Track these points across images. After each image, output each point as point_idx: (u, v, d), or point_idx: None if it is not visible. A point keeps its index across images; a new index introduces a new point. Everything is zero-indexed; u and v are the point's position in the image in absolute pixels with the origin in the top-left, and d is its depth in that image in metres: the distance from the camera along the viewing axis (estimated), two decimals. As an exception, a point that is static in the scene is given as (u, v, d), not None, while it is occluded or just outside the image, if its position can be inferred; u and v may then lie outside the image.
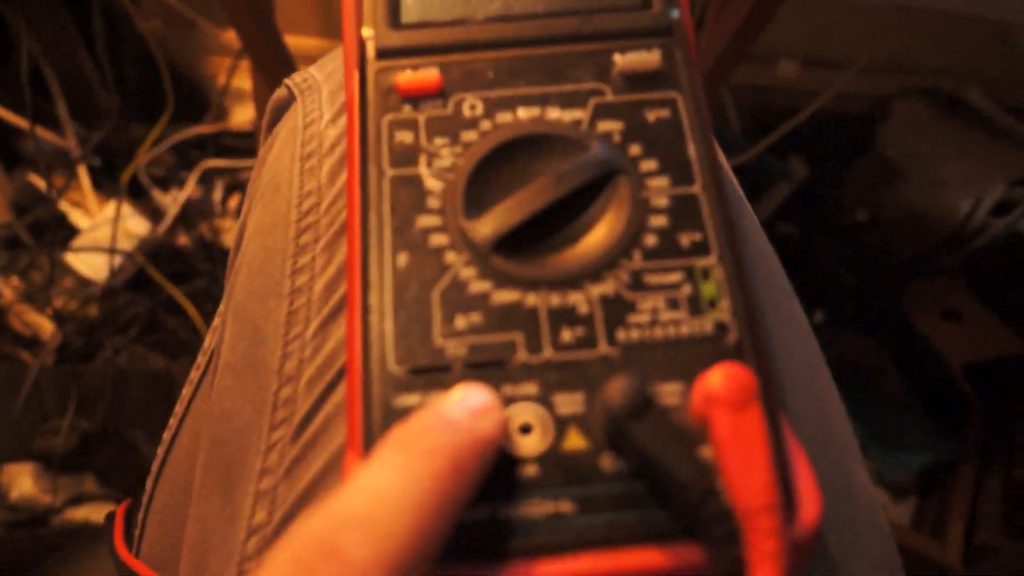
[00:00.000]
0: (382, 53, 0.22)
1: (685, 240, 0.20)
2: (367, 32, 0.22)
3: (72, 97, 1.02)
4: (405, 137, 0.21)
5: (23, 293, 0.99)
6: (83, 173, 1.04)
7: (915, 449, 0.89)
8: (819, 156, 0.93)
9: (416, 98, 0.21)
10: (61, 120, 1.02)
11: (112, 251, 0.96)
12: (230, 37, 1.08)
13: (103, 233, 0.99)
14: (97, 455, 0.89)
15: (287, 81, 0.31)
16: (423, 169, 0.20)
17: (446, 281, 0.19)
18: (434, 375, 0.18)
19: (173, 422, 0.32)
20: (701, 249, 0.19)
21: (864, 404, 0.92)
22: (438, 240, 0.20)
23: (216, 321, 0.32)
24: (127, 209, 1.01)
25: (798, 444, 0.18)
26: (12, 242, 1.01)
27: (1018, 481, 0.88)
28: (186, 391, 0.32)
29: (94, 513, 0.90)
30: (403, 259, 0.19)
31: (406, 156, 0.21)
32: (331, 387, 0.23)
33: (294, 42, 1.02)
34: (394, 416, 0.18)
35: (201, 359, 0.32)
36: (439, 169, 0.20)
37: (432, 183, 0.20)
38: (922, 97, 0.93)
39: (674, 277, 0.19)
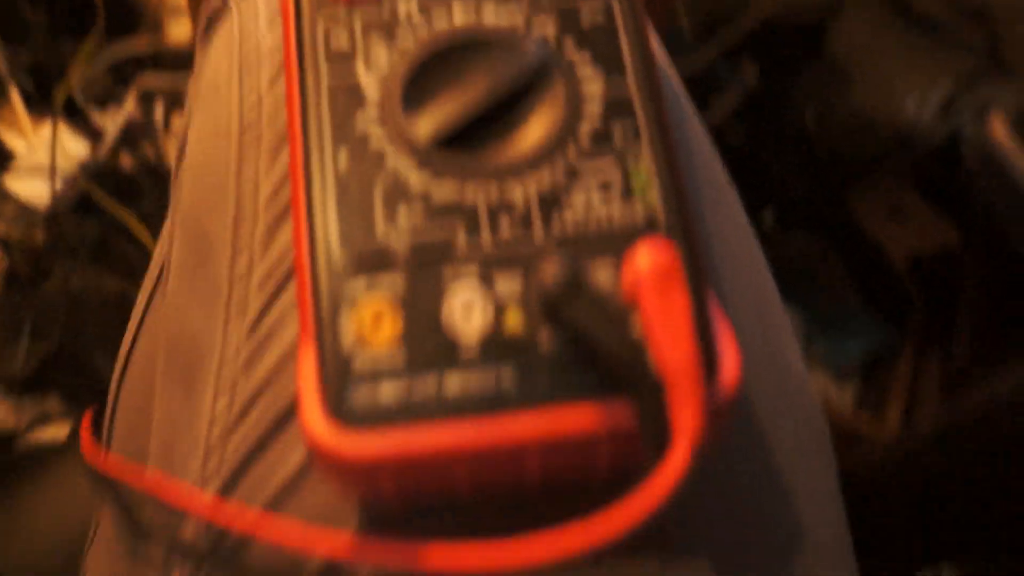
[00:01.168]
0: (315, -49, 0.22)
1: (617, 133, 0.20)
2: (297, -73, 0.22)
3: (-3, 12, 0.97)
4: (341, 39, 0.21)
5: (-36, 220, 0.96)
6: (15, 93, 1.00)
7: (857, 337, 0.94)
8: (770, 60, 0.94)
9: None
10: (-13, 37, 0.97)
11: (53, 174, 0.93)
12: (162, -56, 1.02)
13: (42, 156, 0.96)
14: (59, 376, 0.89)
15: (221, -16, 0.30)
16: (360, 69, 0.21)
17: (387, 177, 0.20)
18: (379, 264, 0.19)
19: (130, 330, 0.33)
20: (632, 141, 0.20)
21: (809, 298, 0.96)
22: (377, 138, 0.20)
23: (164, 231, 0.32)
24: (65, 131, 0.97)
25: (723, 316, 0.19)
26: (-55, 168, 0.97)
27: (955, 368, 0.94)
28: (140, 300, 0.32)
29: (60, 432, 0.91)
30: (344, 158, 0.20)
31: (342, 57, 0.21)
32: (281, 286, 0.24)
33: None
34: (342, 303, 0.19)
35: (153, 269, 0.32)
36: (376, 69, 0.21)
37: (369, 83, 0.21)
38: (870, -3, 0.93)
39: (606, 167, 0.20)
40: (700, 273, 0.19)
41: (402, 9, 0.22)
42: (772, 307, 0.27)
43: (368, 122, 0.20)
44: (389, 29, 0.21)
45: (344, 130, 0.20)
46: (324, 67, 0.21)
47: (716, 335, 0.19)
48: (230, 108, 0.27)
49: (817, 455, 0.26)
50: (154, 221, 0.98)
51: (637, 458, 0.18)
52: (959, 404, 0.29)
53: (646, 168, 0.20)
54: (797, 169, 0.94)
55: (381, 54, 0.21)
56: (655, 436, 0.17)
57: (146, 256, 0.96)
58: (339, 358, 0.18)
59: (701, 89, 0.91)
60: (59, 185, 0.94)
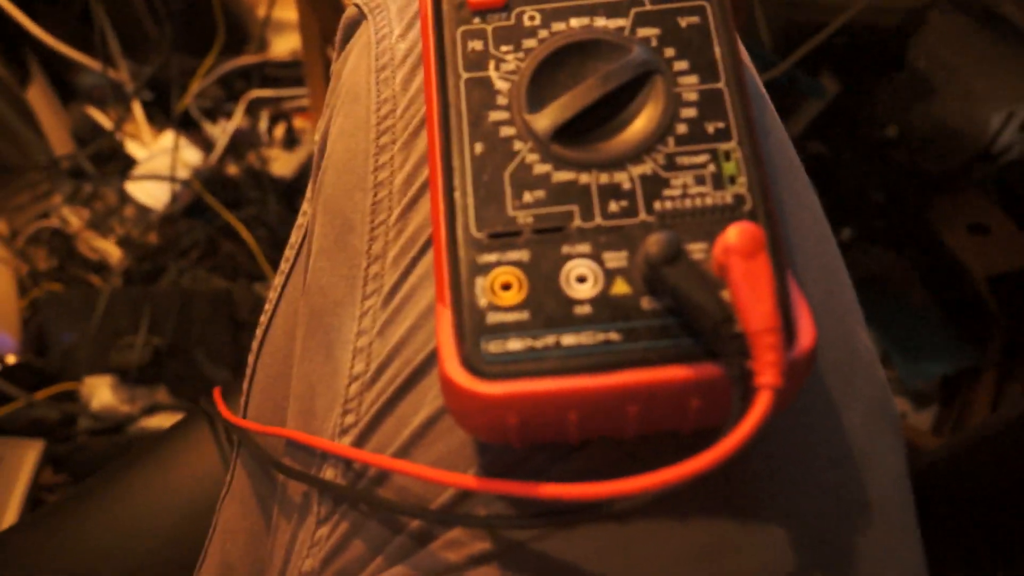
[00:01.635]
0: (453, -26, 0.26)
1: (711, 128, 0.24)
2: (438, -44, 0.26)
3: (123, 32, 1.07)
4: (476, 45, 0.25)
5: (89, 221, 1.05)
6: (137, 106, 1.09)
7: (937, 359, 0.93)
8: (850, 71, 0.94)
9: (484, 11, 0.25)
10: (113, 55, 1.07)
11: (172, 180, 1.02)
12: (270, -32, 1.10)
13: (159, 163, 1.04)
14: (167, 369, 0.96)
15: (356, 1, 0.35)
16: (492, 72, 0.25)
17: (514, 164, 0.24)
18: (508, 238, 0.23)
19: (268, 307, 0.37)
20: (724, 135, 0.23)
21: (890, 316, 0.95)
22: (506, 131, 0.24)
23: (300, 220, 0.36)
24: (180, 140, 1.06)
25: (800, 292, 0.22)
26: (75, 172, 1.07)
27: (1038, 387, 0.92)
28: (277, 280, 0.37)
29: (167, 422, 0.98)
30: (479, 148, 0.24)
31: (477, 61, 0.25)
32: (414, 262, 0.28)
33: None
34: (477, 271, 0.22)
35: (289, 252, 0.36)
36: (505, 72, 0.24)
37: (500, 84, 0.24)
38: (955, 9, 0.93)
39: (701, 159, 0.23)
40: (781, 252, 0.22)
41: (527, 18, 0.25)
42: (843, 290, 0.29)
43: (498, 116, 0.24)
44: (516, 35, 0.25)
45: (478, 122, 0.24)
46: (462, 67, 0.25)
47: (794, 305, 0.22)
48: (368, 108, 0.31)
49: (887, 433, 0.28)
50: (256, 223, 1.05)
51: (724, 413, 0.21)
52: (1007, 411, 0.31)
53: (736, 160, 0.23)
54: (877, 181, 0.94)
55: (509, 57, 0.25)
56: (740, 388, 0.20)
57: (249, 256, 1.04)
58: (474, 316, 0.22)
59: (782, 100, 0.92)
60: (176, 189, 1.02)
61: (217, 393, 0.42)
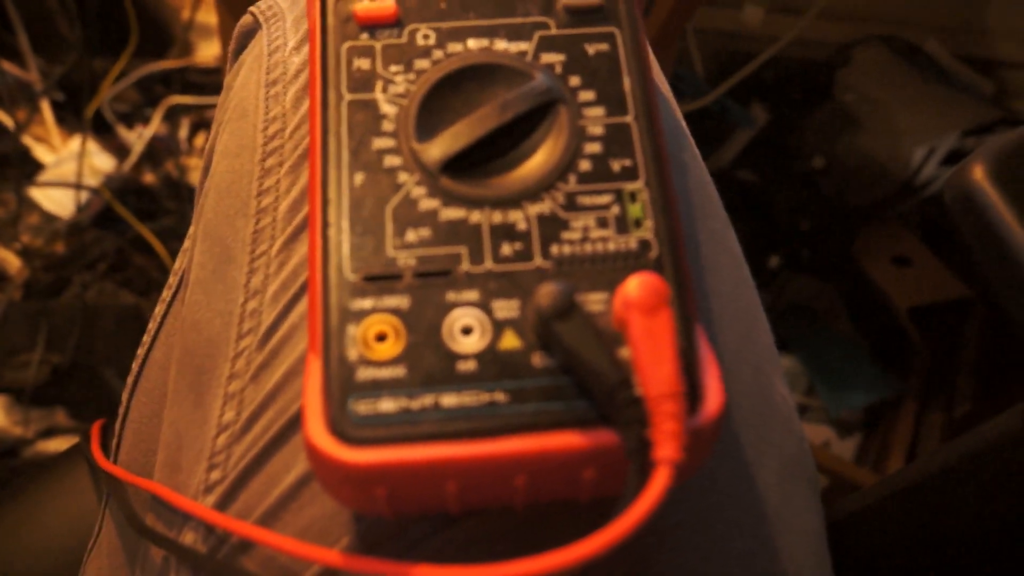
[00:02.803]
0: (341, -16, 0.23)
1: (616, 165, 0.22)
2: (326, -37, 0.23)
3: (34, 29, 1.01)
4: (362, 64, 0.22)
5: (-12, 228, 0.98)
6: (46, 107, 1.03)
7: (861, 388, 0.93)
8: (780, 102, 0.95)
9: (373, 27, 0.23)
10: (23, 52, 1.00)
11: (78, 187, 0.96)
12: (195, -30, 1.06)
13: (68, 169, 0.98)
14: (68, 388, 0.90)
15: (252, 8, 0.32)
16: (379, 94, 0.22)
17: (398, 199, 0.21)
18: (386, 282, 0.20)
19: (146, 339, 0.34)
20: (630, 174, 0.21)
21: (814, 345, 0.96)
22: (391, 161, 0.21)
23: (186, 243, 0.33)
24: (92, 145, 1.00)
25: (710, 349, 0.20)
26: (-26, 176, 1.00)
27: (957, 417, 0.94)
28: (158, 310, 0.33)
29: (65, 446, 0.91)
30: (359, 178, 0.21)
31: (363, 82, 0.22)
32: (295, 299, 0.25)
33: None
34: (349, 318, 0.20)
35: (172, 279, 0.33)
36: (393, 95, 0.22)
37: (387, 108, 0.22)
38: (882, 45, 0.95)
39: (605, 199, 0.21)
40: (688, 306, 0.20)
41: (420, 36, 0.23)
42: (761, 336, 0.27)
43: (383, 143, 0.21)
44: (408, 55, 0.22)
45: (360, 150, 0.21)
46: (345, 88, 0.22)
47: (702, 365, 0.20)
48: (255, 126, 0.28)
49: (802, 492, 0.27)
50: (171, 237, 0.99)
51: (622, 481, 0.19)
52: (945, 448, 0.30)
53: (642, 201, 0.21)
54: (804, 211, 0.95)
55: (399, 78, 0.22)
56: (638, 460, 0.18)
57: (162, 271, 0.98)
58: (343, 371, 0.19)
59: (713, 128, 0.92)
60: (83, 198, 0.96)
61: (95, 429, 0.38)
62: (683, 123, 0.31)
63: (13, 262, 0.97)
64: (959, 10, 1.02)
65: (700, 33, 0.98)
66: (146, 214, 1.00)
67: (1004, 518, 0.30)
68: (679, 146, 0.29)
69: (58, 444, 0.89)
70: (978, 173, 0.23)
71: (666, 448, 0.17)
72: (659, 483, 0.17)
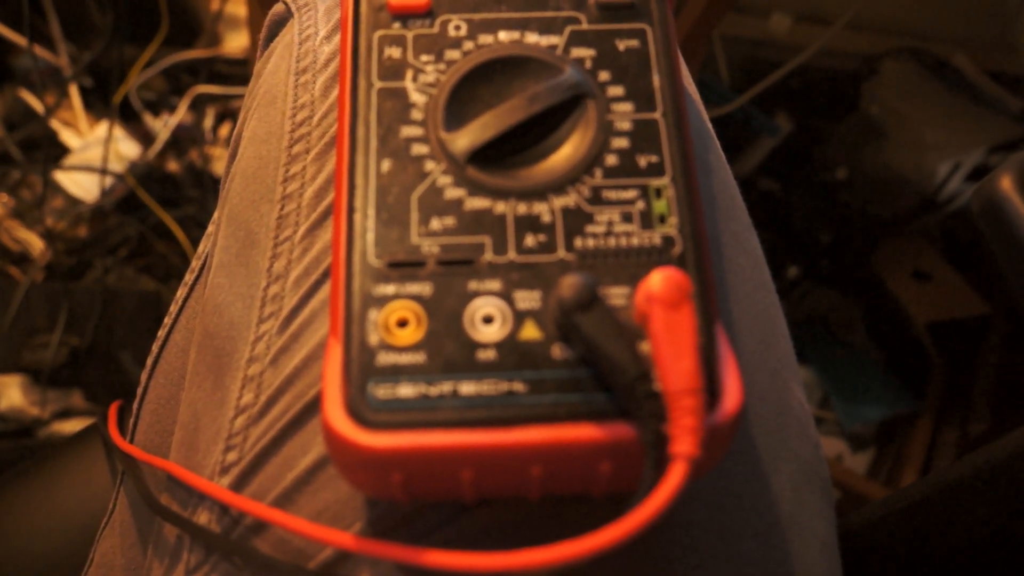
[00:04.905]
0: (375, -27, 0.23)
1: (643, 161, 0.22)
2: (361, -47, 0.24)
3: (65, 15, 1.02)
4: (393, 52, 0.22)
5: (13, 210, 1.00)
6: (74, 92, 1.04)
7: (876, 402, 0.93)
8: (805, 112, 0.95)
9: (405, 16, 0.23)
10: (54, 38, 1.02)
11: (104, 171, 0.97)
12: (226, -38, 1.07)
13: (94, 153, 0.99)
14: (85, 371, 0.91)
15: (284, -2, 0.32)
16: (408, 83, 0.22)
17: (424, 187, 0.21)
18: (409, 269, 0.20)
19: (167, 321, 0.34)
20: (656, 170, 0.21)
21: (831, 357, 0.95)
22: (419, 149, 0.21)
23: (210, 228, 0.33)
24: (118, 131, 1.01)
25: (730, 348, 0.20)
26: (2, 158, 1.01)
27: (972, 436, 0.93)
28: (180, 293, 0.34)
29: (80, 427, 0.92)
30: (386, 165, 0.21)
31: (394, 70, 0.22)
32: (316, 285, 0.25)
33: (290, -30, 1.02)
34: (371, 303, 0.20)
35: (195, 263, 0.33)
36: (423, 84, 0.22)
37: (416, 96, 0.22)
38: (910, 58, 0.94)
39: (630, 194, 0.21)
40: (709, 304, 0.20)
41: (452, 27, 0.23)
42: (780, 341, 0.27)
43: (411, 131, 0.21)
44: (439, 45, 0.23)
45: (388, 137, 0.21)
46: (376, 76, 0.22)
47: (721, 363, 0.20)
48: (284, 113, 0.28)
49: (815, 499, 0.27)
50: (193, 225, 1.00)
51: (637, 477, 0.19)
52: (957, 464, 0.29)
53: (667, 197, 0.21)
54: (825, 222, 0.95)
55: (429, 68, 0.22)
56: (654, 455, 0.18)
57: (183, 258, 0.99)
58: (363, 355, 0.19)
59: (737, 136, 0.92)
60: (107, 183, 0.97)
61: (112, 410, 0.38)
62: (709, 125, 0.31)
63: (36, 244, 0.98)
64: (988, 25, 1.01)
65: (727, 40, 0.97)
66: (169, 201, 1.01)
67: (1014, 534, 0.30)
68: (705, 147, 0.29)
69: (73, 425, 0.90)
70: (1006, 183, 0.23)
71: (683, 443, 0.17)
72: (675, 478, 0.17)
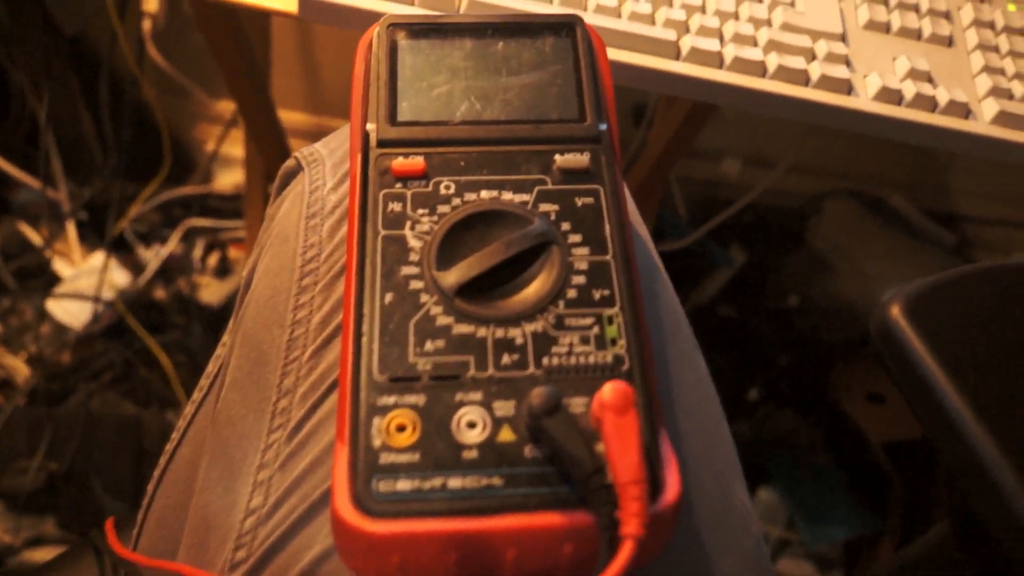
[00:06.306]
0: (381, 143, 0.29)
1: (597, 294, 0.27)
2: (371, 126, 0.29)
3: (68, 153, 1.09)
4: (396, 207, 0.28)
5: (1, 336, 1.02)
6: (71, 227, 1.09)
7: (840, 522, 0.95)
8: (757, 245, 1.03)
9: (405, 178, 0.28)
10: (55, 175, 1.08)
11: (96, 300, 1.01)
12: (222, 107, 1.15)
13: (85, 283, 1.04)
14: (60, 497, 0.91)
15: (296, 154, 0.38)
16: (407, 231, 0.27)
17: (420, 315, 0.26)
18: (407, 383, 0.25)
19: (176, 435, 0.37)
20: (608, 302, 0.26)
21: (794, 478, 0.98)
22: (415, 285, 0.26)
23: (219, 351, 0.37)
24: (111, 262, 1.06)
25: (671, 448, 0.24)
26: (-4, 286, 1.05)
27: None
28: (188, 410, 0.37)
29: (51, 557, 0.91)
30: (389, 298, 0.26)
31: (395, 221, 0.27)
32: (322, 399, 0.29)
33: (284, 116, 1.11)
34: (375, 412, 0.24)
35: (204, 382, 0.37)
36: (419, 232, 0.27)
37: (414, 242, 0.27)
38: (850, 197, 1.04)
39: (587, 321, 0.26)
40: (653, 411, 0.24)
41: (443, 187, 0.28)
42: (722, 446, 0.31)
43: (410, 270, 0.26)
44: (432, 201, 0.28)
45: (391, 275, 0.26)
46: (381, 225, 0.27)
47: (663, 460, 0.24)
48: (295, 251, 0.33)
49: None
50: (177, 349, 1.03)
51: (595, 558, 0.22)
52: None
53: (617, 324, 0.26)
54: (782, 345, 1.00)
55: (424, 219, 0.27)
56: (608, 536, 0.22)
57: (165, 383, 1.01)
58: (368, 456, 0.23)
59: (695, 266, 0.99)
60: (99, 309, 1.01)
61: (110, 524, 0.41)
62: (657, 259, 0.37)
63: (22, 370, 1.00)
64: (922, 168, 1.12)
65: (683, 181, 1.07)
66: (154, 327, 1.05)
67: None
68: (652, 279, 0.34)
69: (45, 554, 0.89)
70: (895, 311, 0.28)
71: (631, 525, 0.21)
72: (624, 554, 0.21)
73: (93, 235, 1.11)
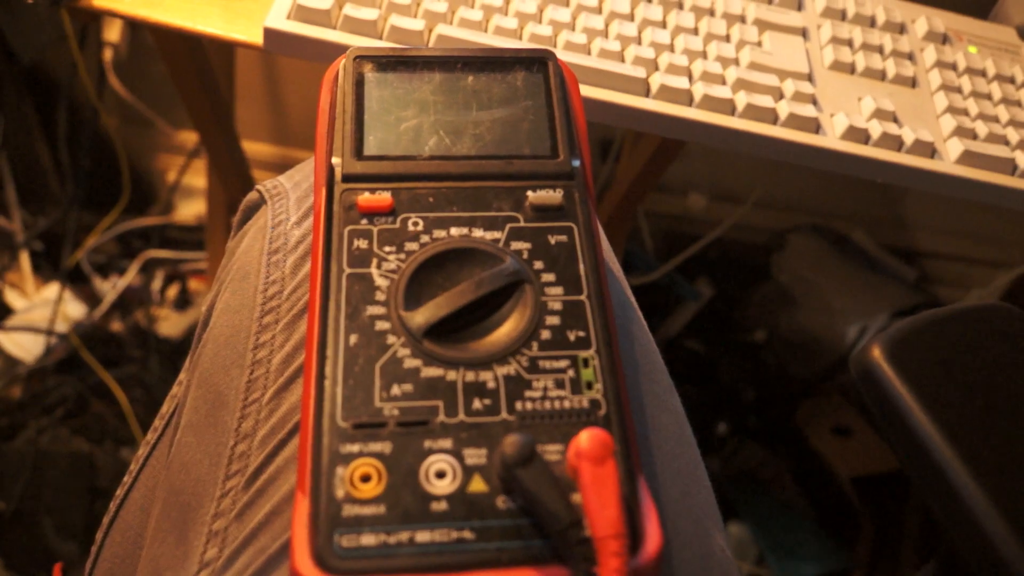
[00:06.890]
0: (347, 177, 0.28)
1: (572, 336, 0.26)
2: (336, 160, 0.28)
3: (23, 182, 1.06)
4: (361, 244, 0.27)
5: (-54, 370, 0.98)
6: (24, 256, 1.06)
7: (810, 558, 0.95)
8: (723, 279, 1.03)
9: (372, 214, 0.27)
10: (8, 204, 1.05)
11: (49, 333, 0.97)
12: (184, 137, 1.13)
13: (37, 314, 1.00)
14: (7, 537, 0.87)
15: (259, 187, 0.36)
16: (374, 269, 0.26)
17: (386, 357, 0.25)
18: (372, 429, 0.23)
19: (127, 480, 0.35)
20: (584, 343, 0.25)
21: (764, 514, 0.98)
22: (382, 325, 0.25)
23: (175, 390, 0.36)
24: (66, 293, 1.02)
25: (651, 497, 0.23)
26: (-59, 318, 1.01)
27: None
28: (141, 452, 0.35)
29: (-7, 601, 0.87)
30: (353, 339, 0.25)
31: (361, 258, 0.26)
32: (282, 444, 0.28)
33: (248, 146, 1.09)
34: (338, 461, 0.23)
35: (158, 422, 0.35)
36: (386, 270, 0.26)
37: (380, 280, 0.26)
38: (813, 232, 1.05)
39: (562, 363, 0.25)
40: (632, 458, 0.23)
41: (411, 224, 0.27)
42: (701, 491, 0.30)
43: (376, 310, 0.25)
44: (400, 238, 0.27)
45: (356, 315, 0.25)
46: (346, 263, 0.26)
47: (643, 512, 0.23)
48: (256, 288, 0.32)
49: None
50: (133, 384, 1.00)
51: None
52: None
53: (593, 367, 0.25)
54: (749, 378, 1.01)
55: (391, 257, 0.26)
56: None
57: (120, 419, 0.98)
58: (331, 508, 0.22)
59: (663, 300, 0.99)
60: (52, 342, 0.97)
61: (57, 569, 0.38)
62: (632, 298, 0.36)
63: (-32, 405, 0.96)
64: (882, 205, 1.14)
65: (651, 215, 1.07)
66: (110, 361, 1.01)
67: None
68: (627, 318, 0.33)
69: (-14, 600, 0.85)
70: (876, 353, 0.28)
71: (610, 578, 0.20)
72: (605, 612, 0.20)
73: (48, 266, 1.08)
